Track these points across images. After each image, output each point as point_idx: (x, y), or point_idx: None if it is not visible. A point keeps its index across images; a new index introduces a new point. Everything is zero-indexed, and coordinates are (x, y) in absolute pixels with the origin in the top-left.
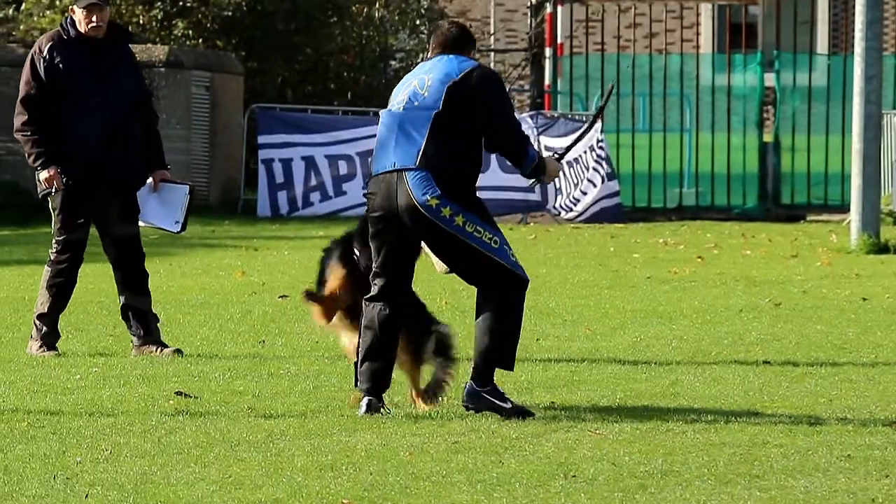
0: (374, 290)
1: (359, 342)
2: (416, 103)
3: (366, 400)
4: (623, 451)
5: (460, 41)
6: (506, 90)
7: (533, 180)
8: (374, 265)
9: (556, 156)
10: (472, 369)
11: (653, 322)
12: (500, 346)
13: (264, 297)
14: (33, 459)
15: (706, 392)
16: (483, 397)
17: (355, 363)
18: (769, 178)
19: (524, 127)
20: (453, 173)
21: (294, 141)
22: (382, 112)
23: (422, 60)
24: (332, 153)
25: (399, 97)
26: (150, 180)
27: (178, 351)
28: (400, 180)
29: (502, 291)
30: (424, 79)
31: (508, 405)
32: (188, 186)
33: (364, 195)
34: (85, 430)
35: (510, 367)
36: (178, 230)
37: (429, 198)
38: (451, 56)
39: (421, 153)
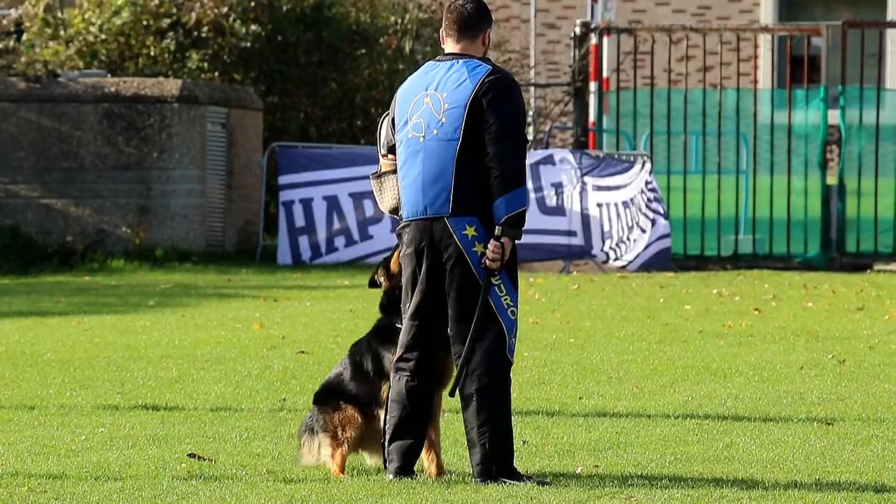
0: (401, 350)
1: (385, 419)
2: (434, 132)
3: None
4: None
5: (475, 19)
6: (516, 100)
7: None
8: (404, 315)
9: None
10: (473, 468)
11: (706, 379)
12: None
13: (284, 351)
14: None
15: (763, 456)
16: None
17: (382, 443)
18: (833, 225)
19: (566, 167)
20: (489, 214)
21: (314, 179)
22: (399, 134)
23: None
24: (355, 190)
25: (414, 118)
26: None
27: None
28: (436, 220)
29: (488, 366)
30: (438, 98)
31: (527, 482)
32: None
33: (396, 233)
34: (90, 495)
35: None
36: None
37: (466, 226)
38: (462, 62)
39: (452, 198)
